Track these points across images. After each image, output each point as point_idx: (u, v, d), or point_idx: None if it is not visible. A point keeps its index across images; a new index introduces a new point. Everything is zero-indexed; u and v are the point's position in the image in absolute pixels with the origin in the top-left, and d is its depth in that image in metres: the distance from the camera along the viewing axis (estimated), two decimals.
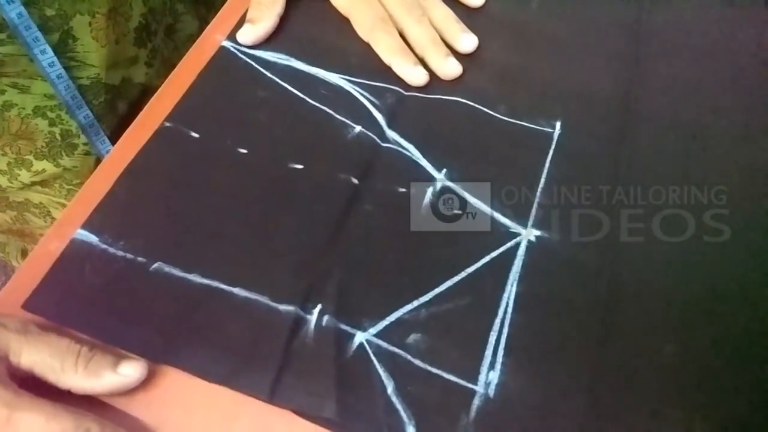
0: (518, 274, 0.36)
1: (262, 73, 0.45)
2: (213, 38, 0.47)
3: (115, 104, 0.56)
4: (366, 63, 0.46)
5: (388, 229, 0.38)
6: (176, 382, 0.32)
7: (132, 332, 0.33)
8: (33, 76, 0.49)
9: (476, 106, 0.44)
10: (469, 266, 0.36)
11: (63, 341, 0.31)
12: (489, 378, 0.33)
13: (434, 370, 0.33)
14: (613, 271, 0.36)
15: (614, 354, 0.34)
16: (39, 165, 0.55)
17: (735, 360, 0.34)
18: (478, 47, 0.46)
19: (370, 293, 0.35)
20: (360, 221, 0.38)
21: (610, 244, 0.37)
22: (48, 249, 0.36)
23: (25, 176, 0.55)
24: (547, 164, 0.41)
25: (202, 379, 0.32)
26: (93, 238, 0.36)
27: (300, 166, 0.40)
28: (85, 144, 0.55)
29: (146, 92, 0.58)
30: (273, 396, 0.32)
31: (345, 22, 0.48)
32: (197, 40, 0.47)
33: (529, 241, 0.38)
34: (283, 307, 0.34)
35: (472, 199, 0.39)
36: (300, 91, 0.44)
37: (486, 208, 0.39)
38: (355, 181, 0.39)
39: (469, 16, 0.48)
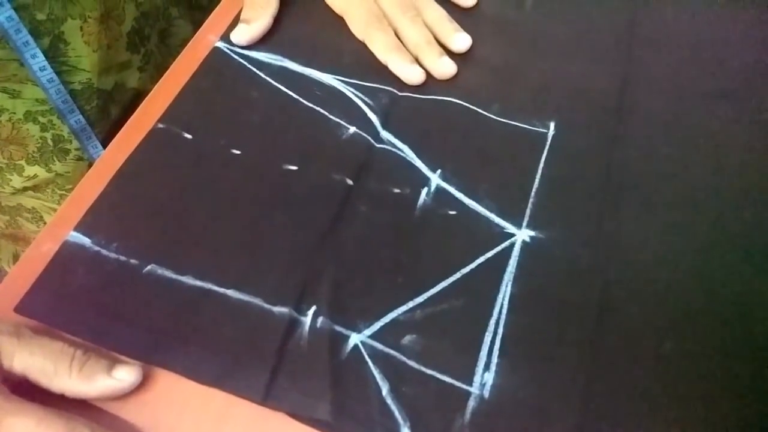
0: (513, 274, 0.36)
1: (256, 73, 0.45)
2: (206, 39, 0.47)
3: (107, 109, 0.55)
4: (360, 64, 0.46)
5: (382, 230, 0.38)
6: (169, 384, 0.32)
7: (125, 334, 0.33)
8: (24, 80, 0.49)
9: (470, 106, 0.44)
10: (463, 267, 0.36)
11: (56, 344, 0.31)
12: (484, 379, 0.33)
13: (429, 372, 0.33)
14: (608, 271, 0.36)
15: (609, 354, 0.34)
16: (31, 170, 0.54)
17: (731, 359, 0.34)
18: (472, 47, 0.47)
19: (364, 294, 0.35)
20: (355, 222, 0.38)
21: (604, 244, 0.37)
22: (40, 251, 0.36)
23: (17, 181, 0.55)
24: (541, 164, 0.41)
25: (195, 381, 0.32)
26: (86, 240, 0.36)
27: (294, 167, 0.40)
28: (77, 149, 0.55)
29: (139, 97, 0.57)
30: (267, 398, 0.32)
31: (339, 23, 0.48)
32: (190, 41, 0.47)
33: (524, 242, 0.37)
34: (277, 309, 0.34)
35: (466, 200, 0.39)
36: (294, 92, 0.44)
37: (480, 209, 0.39)
38: (350, 181, 0.39)
39: (462, 17, 0.48)
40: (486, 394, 0.32)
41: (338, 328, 0.34)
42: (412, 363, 0.33)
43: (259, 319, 0.34)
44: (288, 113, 0.43)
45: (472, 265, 0.36)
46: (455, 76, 0.45)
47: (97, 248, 0.36)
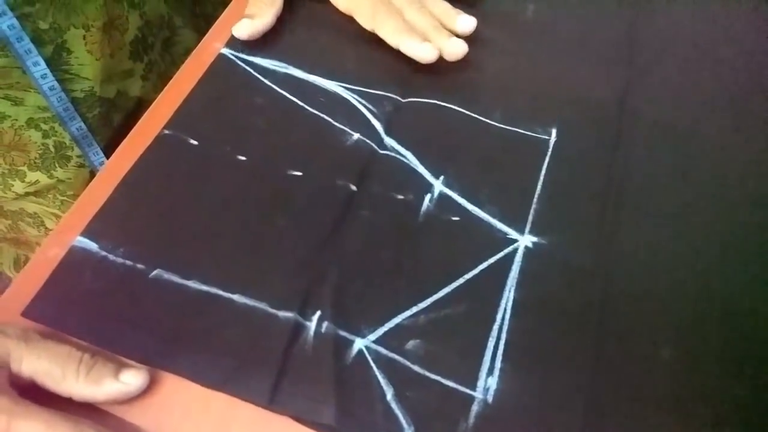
0: (516, 280, 0.36)
1: (261, 80, 0.45)
2: (211, 47, 0.47)
3: (109, 117, 0.56)
4: (363, 71, 0.46)
5: (386, 235, 0.38)
6: (175, 387, 0.32)
7: (131, 338, 0.33)
8: (26, 88, 0.49)
9: (473, 114, 0.44)
10: (467, 272, 0.37)
11: (64, 348, 0.31)
12: (487, 384, 0.33)
13: (433, 376, 0.33)
14: (610, 277, 0.37)
15: (612, 359, 0.34)
16: (33, 176, 0.55)
17: (732, 363, 0.34)
18: (474, 54, 0.47)
19: (368, 300, 0.35)
20: (358, 227, 0.38)
21: (606, 250, 0.38)
22: (47, 256, 0.36)
23: (18, 187, 0.55)
24: (543, 171, 0.41)
25: (201, 385, 0.32)
26: (92, 245, 0.36)
27: (298, 173, 0.40)
28: (79, 156, 0.55)
29: (142, 105, 0.58)
30: (272, 402, 0.32)
31: (343, 30, 0.48)
32: (195, 49, 0.48)
33: (527, 247, 0.38)
34: (282, 314, 0.34)
35: (469, 206, 0.39)
36: (298, 99, 0.44)
37: (483, 215, 0.39)
38: (354, 187, 0.40)
39: None
40: (489, 398, 0.32)
41: (343, 333, 0.34)
42: (416, 368, 0.33)
43: (264, 323, 0.34)
44: (292, 120, 0.43)
45: (475, 271, 0.37)
46: (458, 84, 0.46)
47: (103, 253, 0.36)
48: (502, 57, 0.48)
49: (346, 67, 0.46)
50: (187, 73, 0.45)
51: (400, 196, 0.40)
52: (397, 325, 0.35)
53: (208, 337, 0.34)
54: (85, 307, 0.34)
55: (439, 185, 0.40)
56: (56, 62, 0.49)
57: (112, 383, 0.31)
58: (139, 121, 0.43)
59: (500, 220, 0.39)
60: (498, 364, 0.33)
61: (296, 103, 0.44)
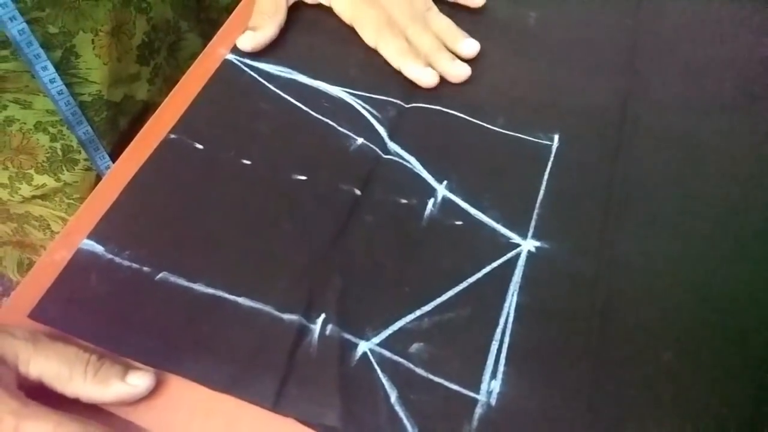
0: (518, 284, 0.37)
1: (266, 85, 0.46)
2: (216, 52, 0.48)
3: (116, 120, 0.56)
4: (367, 77, 0.46)
5: (390, 240, 0.38)
6: (180, 389, 0.33)
7: (137, 340, 0.34)
8: (35, 91, 0.49)
9: (476, 119, 0.44)
10: (470, 276, 0.37)
11: (71, 350, 0.31)
12: (491, 387, 0.33)
13: (437, 379, 0.33)
14: (612, 281, 0.37)
15: (613, 363, 0.34)
16: (40, 179, 0.55)
17: (733, 368, 0.34)
18: (477, 61, 0.47)
19: (372, 303, 0.36)
20: (362, 232, 0.38)
21: (608, 255, 0.38)
22: (53, 258, 0.36)
23: (25, 190, 0.56)
24: (546, 176, 0.41)
25: (206, 387, 0.33)
26: (99, 248, 0.37)
27: (303, 177, 0.41)
28: (85, 159, 0.55)
29: (148, 109, 0.58)
30: (277, 404, 0.32)
31: (347, 36, 0.49)
32: (201, 54, 0.48)
33: (529, 252, 0.38)
34: (286, 317, 0.35)
35: (472, 211, 0.40)
36: (303, 104, 0.44)
37: (486, 219, 0.39)
38: (358, 192, 0.40)
39: (467, 31, 0.48)
40: (493, 401, 0.33)
41: (347, 336, 0.34)
42: (419, 371, 0.33)
43: (269, 326, 0.34)
44: (297, 124, 0.43)
45: (479, 275, 0.37)
46: (461, 91, 0.46)
47: (110, 256, 0.36)
48: (505, 64, 0.48)
49: (351, 73, 0.47)
50: (193, 79, 0.46)
51: (404, 201, 0.40)
52: (401, 329, 0.35)
53: (213, 339, 0.34)
54: (91, 310, 0.35)
55: (442, 190, 0.40)
56: (65, 66, 0.49)
57: (119, 385, 0.31)
58: (145, 126, 0.43)
59: (503, 225, 0.39)
60: (501, 368, 0.34)
61: (301, 108, 0.44)
